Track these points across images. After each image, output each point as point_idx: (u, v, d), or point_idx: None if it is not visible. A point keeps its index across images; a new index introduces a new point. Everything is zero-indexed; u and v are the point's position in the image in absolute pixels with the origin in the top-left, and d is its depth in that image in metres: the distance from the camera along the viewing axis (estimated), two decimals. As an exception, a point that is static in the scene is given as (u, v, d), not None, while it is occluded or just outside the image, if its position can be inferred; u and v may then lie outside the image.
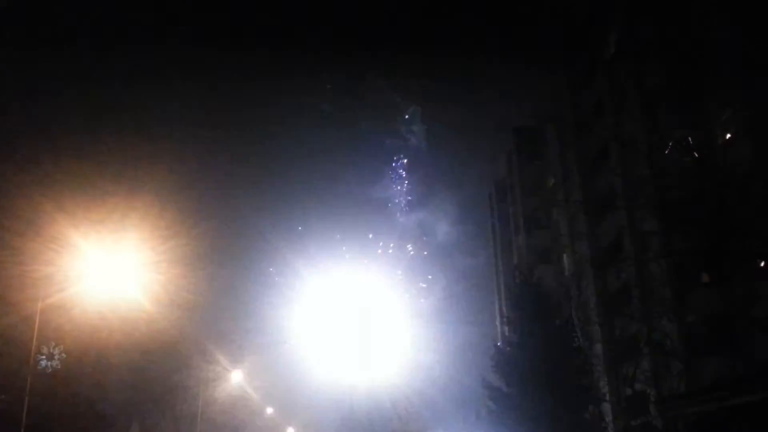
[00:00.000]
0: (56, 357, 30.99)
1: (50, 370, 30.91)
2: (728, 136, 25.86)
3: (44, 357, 30.39)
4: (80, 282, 26.87)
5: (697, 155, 27.62)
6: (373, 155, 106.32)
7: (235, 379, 53.60)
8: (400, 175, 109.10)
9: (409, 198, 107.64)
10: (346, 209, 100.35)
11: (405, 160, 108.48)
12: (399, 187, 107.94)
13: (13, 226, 30.69)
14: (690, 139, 27.90)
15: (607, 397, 32.70)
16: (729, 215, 24.86)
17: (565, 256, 43.50)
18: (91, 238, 27.73)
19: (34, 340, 26.50)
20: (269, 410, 67.82)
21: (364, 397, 75.24)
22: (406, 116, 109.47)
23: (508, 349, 28.88)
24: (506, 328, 29.64)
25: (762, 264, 24.03)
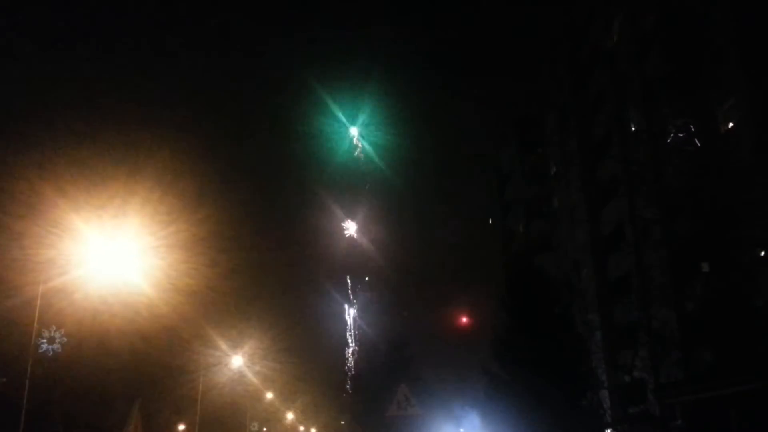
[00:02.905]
0: (57, 341, 31.08)
1: (51, 353, 31.02)
2: (730, 124, 25.81)
3: (45, 340, 30.49)
4: (81, 266, 26.92)
5: (698, 144, 27.59)
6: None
7: (235, 364, 53.85)
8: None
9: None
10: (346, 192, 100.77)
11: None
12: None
13: (14, 210, 30.79)
14: (692, 127, 27.86)
15: (606, 385, 32.89)
16: (730, 204, 24.90)
17: (565, 243, 43.56)
18: (92, 223, 27.76)
19: (35, 323, 26.59)
20: (269, 395, 68.21)
21: (363, 382, 75.61)
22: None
23: (508, 336, 28.93)
24: (505, 315, 29.65)
25: (762, 253, 24.06)
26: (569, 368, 26.56)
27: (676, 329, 28.33)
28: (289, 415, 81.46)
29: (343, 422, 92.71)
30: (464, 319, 39.16)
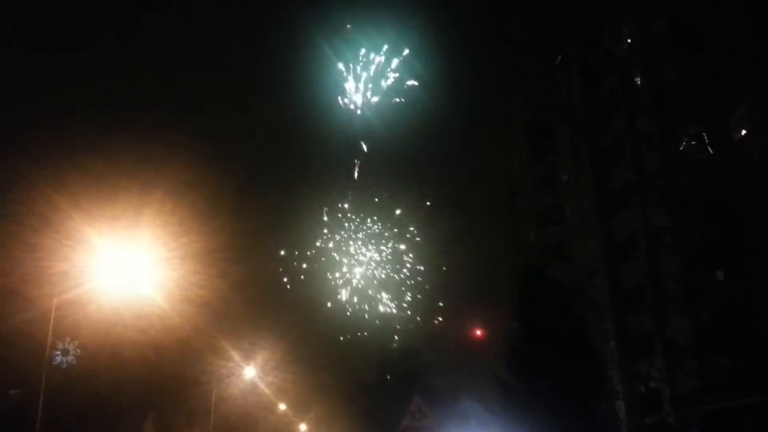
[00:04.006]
0: (71, 352, 31.29)
1: (65, 365, 31.19)
2: (743, 131, 25.63)
3: (60, 352, 30.67)
4: (95, 278, 27.07)
5: (711, 151, 27.42)
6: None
7: (247, 375, 53.81)
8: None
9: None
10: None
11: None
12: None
13: (29, 223, 31.08)
14: (704, 134, 27.69)
15: (621, 395, 32.59)
16: (743, 211, 24.70)
17: (577, 252, 43.30)
18: (105, 235, 27.95)
19: (50, 335, 26.70)
20: (282, 406, 68.06)
21: (377, 393, 75.40)
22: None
23: (521, 346, 28.78)
24: (518, 325, 29.50)
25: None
26: (584, 378, 26.37)
27: (692, 338, 28.05)
28: (302, 427, 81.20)
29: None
30: (478, 332, 39.00)
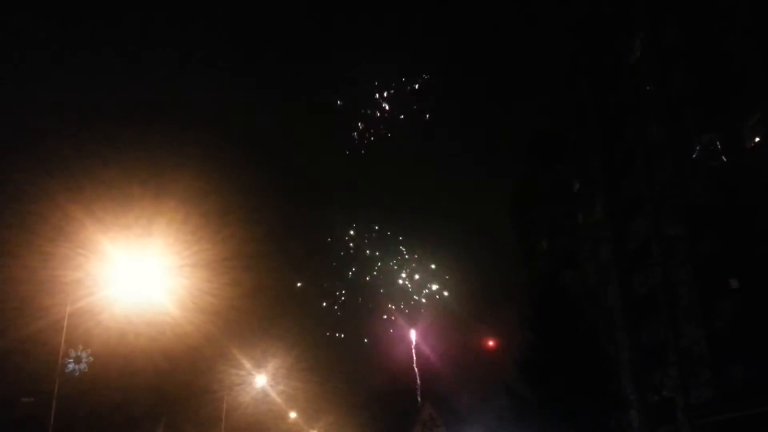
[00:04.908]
0: (84, 360, 31.35)
1: (78, 373, 31.28)
2: (756, 140, 25.49)
3: (72, 360, 30.75)
4: (108, 286, 27.22)
5: (724, 159, 27.28)
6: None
7: (258, 384, 53.86)
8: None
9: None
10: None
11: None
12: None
13: (43, 232, 31.32)
14: (717, 143, 27.57)
15: (634, 404, 32.36)
16: (757, 220, 24.53)
17: (589, 261, 43.13)
18: (118, 244, 28.12)
19: (62, 343, 26.85)
20: (292, 414, 68.06)
21: (388, 401, 75.28)
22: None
23: (533, 355, 28.67)
24: (530, 334, 29.41)
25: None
26: (596, 387, 26.23)
27: (705, 347, 27.85)
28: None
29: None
30: (490, 342, 39.04)
